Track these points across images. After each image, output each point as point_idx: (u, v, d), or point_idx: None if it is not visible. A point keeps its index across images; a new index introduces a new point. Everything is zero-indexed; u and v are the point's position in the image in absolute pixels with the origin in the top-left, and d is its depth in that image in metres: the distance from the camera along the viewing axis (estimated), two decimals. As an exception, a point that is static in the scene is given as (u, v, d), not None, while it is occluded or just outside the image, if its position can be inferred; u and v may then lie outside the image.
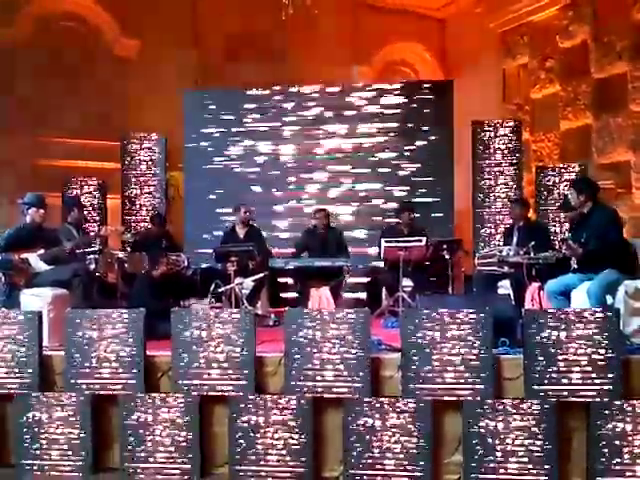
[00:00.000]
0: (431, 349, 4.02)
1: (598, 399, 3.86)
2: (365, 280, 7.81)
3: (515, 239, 6.22)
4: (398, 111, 8.51)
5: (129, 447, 4.21)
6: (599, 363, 3.88)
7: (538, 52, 9.88)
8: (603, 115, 8.75)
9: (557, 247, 6.00)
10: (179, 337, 4.24)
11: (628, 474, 3.80)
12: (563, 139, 9.47)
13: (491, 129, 8.34)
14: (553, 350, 3.93)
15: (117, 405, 4.29)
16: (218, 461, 4.23)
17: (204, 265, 7.19)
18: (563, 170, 8.14)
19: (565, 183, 7.93)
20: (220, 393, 4.19)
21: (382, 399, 4.05)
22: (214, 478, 4.19)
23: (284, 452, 4.07)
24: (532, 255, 5.59)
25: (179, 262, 6.32)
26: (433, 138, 8.37)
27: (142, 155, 8.59)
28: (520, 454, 3.88)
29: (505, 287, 6.00)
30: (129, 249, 6.90)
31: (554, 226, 7.93)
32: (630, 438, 3.81)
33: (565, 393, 3.90)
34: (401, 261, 6.20)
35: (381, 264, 7.05)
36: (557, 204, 7.92)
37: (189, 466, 4.16)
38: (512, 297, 5.57)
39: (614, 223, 4.90)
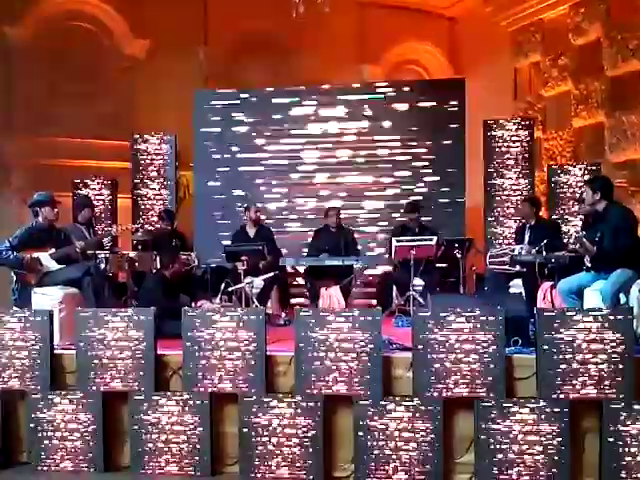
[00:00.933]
0: (442, 348, 4.00)
1: (611, 399, 3.83)
2: (376, 279, 7.79)
3: (527, 238, 6.18)
4: (409, 110, 8.47)
5: (140, 445, 4.23)
6: (612, 363, 3.84)
7: (550, 50, 9.81)
8: (616, 113, 8.67)
9: (569, 246, 5.96)
10: (190, 336, 4.24)
11: (642, 475, 3.77)
12: (576, 137, 9.39)
13: (503, 127, 8.28)
14: (565, 349, 3.89)
15: (128, 404, 4.30)
16: (228, 460, 4.23)
17: (214, 264, 7.20)
18: (575, 168, 8.07)
19: (577, 181, 7.87)
20: (231, 392, 4.19)
21: (393, 398, 4.03)
22: (224, 477, 4.20)
23: (295, 451, 4.07)
24: (544, 254, 5.55)
25: (189, 261, 6.33)
26: (445, 137, 8.32)
27: (152, 154, 8.59)
28: (532, 454, 3.85)
29: (517, 286, 5.96)
30: (140, 248, 6.91)
31: (566, 224, 7.85)
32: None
33: (577, 393, 3.87)
34: (412, 260, 6.17)
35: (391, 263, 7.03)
36: (570, 202, 7.86)
37: (199, 465, 4.16)
38: (524, 296, 5.53)
39: (629, 222, 4.85)
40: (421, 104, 8.45)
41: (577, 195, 7.54)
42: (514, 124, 8.30)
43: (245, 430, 4.12)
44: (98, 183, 8.42)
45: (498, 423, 3.89)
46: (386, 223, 8.33)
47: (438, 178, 8.31)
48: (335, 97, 8.60)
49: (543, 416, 3.85)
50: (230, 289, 6.06)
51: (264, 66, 9.68)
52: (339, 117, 8.57)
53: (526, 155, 8.20)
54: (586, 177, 7.68)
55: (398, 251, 6.35)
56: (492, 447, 3.89)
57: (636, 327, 4.14)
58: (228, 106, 8.69)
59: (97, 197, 8.29)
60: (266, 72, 9.56)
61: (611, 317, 3.88)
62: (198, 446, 4.17)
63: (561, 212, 7.99)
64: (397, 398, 4.03)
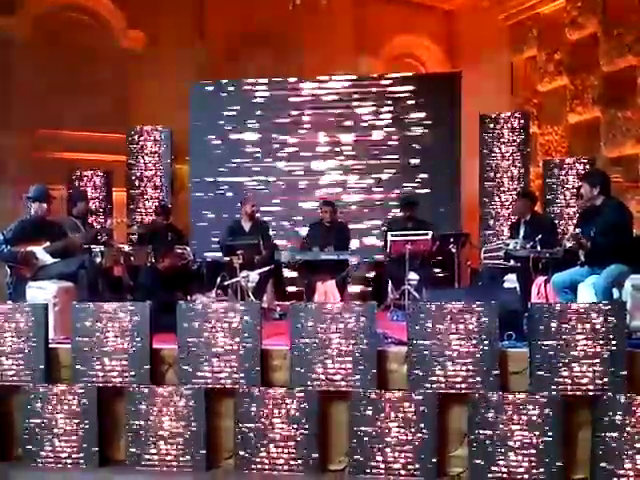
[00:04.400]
0: (437, 342, 4.02)
1: (603, 393, 3.85)
2: (371, 273, 7.81)
3: (522, 233, 6.19)
4: (405, 104, 8.46)
5: (135, 440, 4.23)
6: (605, 357, 3.87)
7: (547, 44, 9.81)
8: (611, 108, 8.69)
9: (564, 241, 5.97)
10: (185, 330, 4.25)
11: (632, 467, 3.78)
12: (571, 132, 9.41)
13: (499, 122, 8.28)
14: (559, 344, 3.91)
15: (123, 398, 4.30)
16: (224, 454, 4.24)
17: (210, 258, 7.19)
18: (571, 164, 8.08)
19: (572, 176, 7.88)
20: (226, 386, 4.20)
21: (388, 392, 4.05)
22: (220, 471, 4.21)
23: (290, 445, 4.08)
24: (539, 249, 5.56)
25: (185, 255, 6.33)
26: (441, 131, 8.32)
27: (148, 148, 8.58)
28: (525, 448, 3.87)
29: (511, 281, 5.98)
30: (135, 242, 6.90)
31: (561, 219, 7.87)
32: (635, 432, 3.80)
33: (570, 387, 3.89)
34: (407, 254, 6.18)
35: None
36: (565, 197, 7.87)
37: (195, 458, 4.17)
38: (518, 291, 5.55)
39: (624, 218, 4.86)
40: (418, 97, 8.44)
41: (573, 190, 7.56)
42: (510, 119, 8.30)
43: (240, 424, 4.13)
44: (93, 176, 8.40)
45: (491, 417, 3.91)
46: (381, 217, 8.34)
47: (434, 172, 8.31)
48: (332, 89, 8.58)
49: (536, 410, 3.87)
50: (226, 283, 6.06)
51: (260, 60, 9.65)
52: (336, 112, 8.55)
53: (522, 150, 8.21)
54: (581, 172, 7.70)
55: (393, 246, 6.36)
56: (485, 441, 3.91)
57: (629, 321, 4.16)
58: (225, 99, 8.67)
59: (92, 190, 8.27)
60: (263, 66, 9.53)
61: (604, 311, 3.90)
62: (194, 440, 4.17)
63: (556, 207, 8.01)
64: (392, 392, 4.05)
